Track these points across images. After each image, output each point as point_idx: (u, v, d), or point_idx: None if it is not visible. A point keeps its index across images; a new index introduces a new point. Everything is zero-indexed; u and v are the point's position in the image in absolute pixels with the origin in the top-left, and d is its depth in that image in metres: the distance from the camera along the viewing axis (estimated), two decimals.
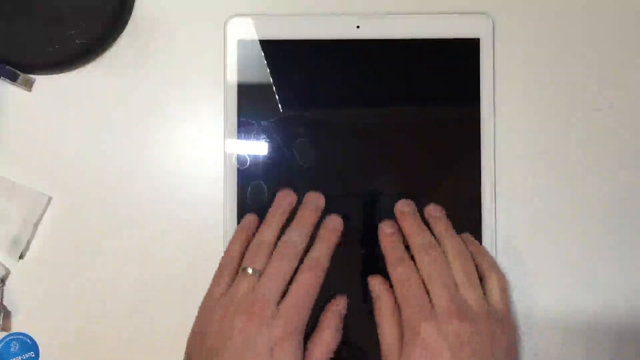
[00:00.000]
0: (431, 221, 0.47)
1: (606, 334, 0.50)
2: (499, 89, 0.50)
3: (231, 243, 0.47)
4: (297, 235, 0.46)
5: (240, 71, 0.49)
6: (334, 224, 0.47)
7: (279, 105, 0.49)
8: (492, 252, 0.49)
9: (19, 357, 0.49)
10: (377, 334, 0.45)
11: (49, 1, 0.49)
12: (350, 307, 0.47)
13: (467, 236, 0.48)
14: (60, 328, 0.49)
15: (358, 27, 0.49)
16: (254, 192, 0.48)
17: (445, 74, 0.49)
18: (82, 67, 0.51)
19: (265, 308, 0.43)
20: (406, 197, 0.48)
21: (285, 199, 0.48)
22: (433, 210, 0.48)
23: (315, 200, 0.48)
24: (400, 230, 0.47)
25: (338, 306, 0.46)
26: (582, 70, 0.50)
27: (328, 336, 0.45)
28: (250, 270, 0.44)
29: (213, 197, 0.49)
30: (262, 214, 0.48)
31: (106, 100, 0.51)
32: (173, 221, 0.50)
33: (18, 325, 0.50)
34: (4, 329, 0.49)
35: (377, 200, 0.49)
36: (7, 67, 0.49)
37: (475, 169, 0.49)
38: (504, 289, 0.45)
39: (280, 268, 0.44)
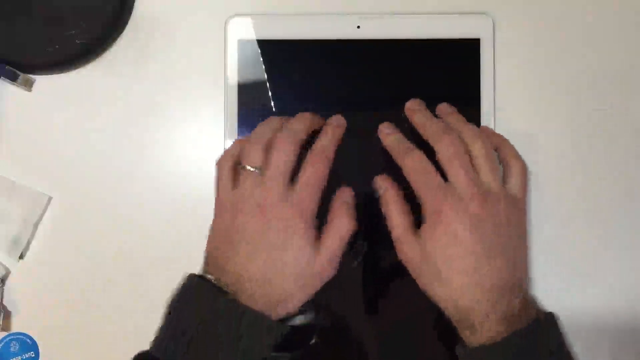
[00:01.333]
0: (443, 117, 0.47)
1: (606, 334, 0.50)
2: (499, 89, 0.50)
3: (232, 145, 0.46)
4: (296, 124, 0.45)
5: (240, 71, 0.49)
6: (338, 121, 0.47)
7: (279, 105, 0.49)
8: None
9: (19, 357, 0.49)
10: (378, 332, 0.45)
11: (49, 1, 0.49)
12: (351, 303, 0.48)
13: (486, 127, 0.48)
14: (60, 328, 0.49)
15: (358, 27, 0.49)
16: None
17: (446, 74, 0.49)
18: (82, 67, 0.51)
19: (273, 200, 0.42)
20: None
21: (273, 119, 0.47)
22: (444, 107, 0.47)
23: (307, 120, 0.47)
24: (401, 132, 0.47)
25: (343, 195, 0.46)
26: (582, 70, 0.50)
27: (339, 223, 0.44)
28: (249, 168, 0.44)
29: (213, 197, 0.49)
30: None
31: (106, 100, 0.51)
32: (173, 221, 0.50)
33: (18, 325, 0.50)
34: (4, 329, 0.49)
35: (377, 200, 0.48)
36: (7, 67, 0.49)
37: None
38: (524, 175, 0.45)
39: (284, 154, 0.43)
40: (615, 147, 0.50)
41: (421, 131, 0.46)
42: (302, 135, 0.45)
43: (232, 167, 0.45)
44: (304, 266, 0.43)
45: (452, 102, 0.49)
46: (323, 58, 0.49)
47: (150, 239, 0.50)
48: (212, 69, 0.50)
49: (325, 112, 0.49)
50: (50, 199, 0.50)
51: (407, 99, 0.49)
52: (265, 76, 0.49)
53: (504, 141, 0.47)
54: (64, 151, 0.50)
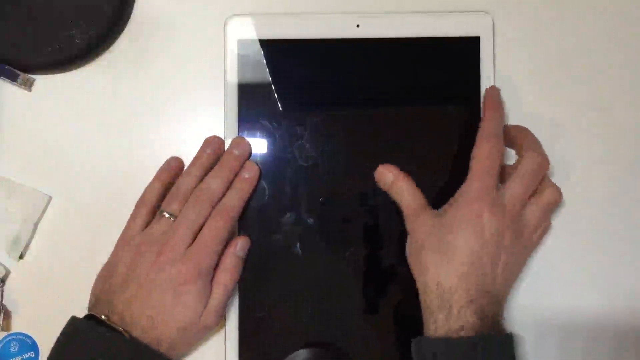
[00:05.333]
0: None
1: (606, 334, 0.50)
2: (498, 87, 0.50)
3: (150, 184, 0.48)
4: (214, 183, 0.46)
5: (240, 71, 0.49)
6: (250, 172, 0.47)
7: (279, 105, 0.49)
8: None
9: (19, 357, 0.49)
10: (378, 333, 0.46)
11: (49, 1, 0.49)
12: (350, 304, 0.48)
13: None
14: (60, 328, 0.49)
15: (358, 26, 0.49)
16: (254, 191, 0.48)
17: (446, 72, 0.49)
18: (82, 67, 0.51)
19: (173, 250, 0.44)
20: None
21: (209, 146, 0.48)
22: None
23: (238, 147, 0.48)
24: None
25: (234, 248, 0.47)
26: (582, 70, 0.51)
27: (224, 277, 0.46)
28: (166, 214, 0.46)
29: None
30: (262, 214, 0.48)
31: (106, 100, 0.51)
32: None
33: (18, 325, 0.50)
34: (4, 329, 0.49)
35: (377, 199, 0.49)
36: (7, 67, 0.49)
37: None
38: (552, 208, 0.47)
39: (193, 213, 0.45)
40: (615, 147, 0.50)
41: (516, 136, 0.48)
42: (218, 195, 0.46)
43: (149, 210, 0.47)
44: (190, 322, 0.44)
45: (452, 100, 0.49)
46: (323, 57, 0.49)
47: None
48: (212, 69, 0.50)
49: (325, 112, 0.49)
50: (50, 199, 0.50)
51: (408, 98, 0.49)
52: (265, 76, 0.49)
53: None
54: (64, 151, 0.50)
